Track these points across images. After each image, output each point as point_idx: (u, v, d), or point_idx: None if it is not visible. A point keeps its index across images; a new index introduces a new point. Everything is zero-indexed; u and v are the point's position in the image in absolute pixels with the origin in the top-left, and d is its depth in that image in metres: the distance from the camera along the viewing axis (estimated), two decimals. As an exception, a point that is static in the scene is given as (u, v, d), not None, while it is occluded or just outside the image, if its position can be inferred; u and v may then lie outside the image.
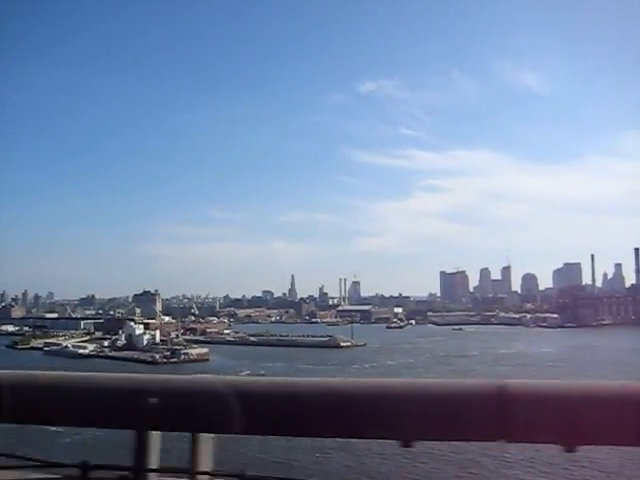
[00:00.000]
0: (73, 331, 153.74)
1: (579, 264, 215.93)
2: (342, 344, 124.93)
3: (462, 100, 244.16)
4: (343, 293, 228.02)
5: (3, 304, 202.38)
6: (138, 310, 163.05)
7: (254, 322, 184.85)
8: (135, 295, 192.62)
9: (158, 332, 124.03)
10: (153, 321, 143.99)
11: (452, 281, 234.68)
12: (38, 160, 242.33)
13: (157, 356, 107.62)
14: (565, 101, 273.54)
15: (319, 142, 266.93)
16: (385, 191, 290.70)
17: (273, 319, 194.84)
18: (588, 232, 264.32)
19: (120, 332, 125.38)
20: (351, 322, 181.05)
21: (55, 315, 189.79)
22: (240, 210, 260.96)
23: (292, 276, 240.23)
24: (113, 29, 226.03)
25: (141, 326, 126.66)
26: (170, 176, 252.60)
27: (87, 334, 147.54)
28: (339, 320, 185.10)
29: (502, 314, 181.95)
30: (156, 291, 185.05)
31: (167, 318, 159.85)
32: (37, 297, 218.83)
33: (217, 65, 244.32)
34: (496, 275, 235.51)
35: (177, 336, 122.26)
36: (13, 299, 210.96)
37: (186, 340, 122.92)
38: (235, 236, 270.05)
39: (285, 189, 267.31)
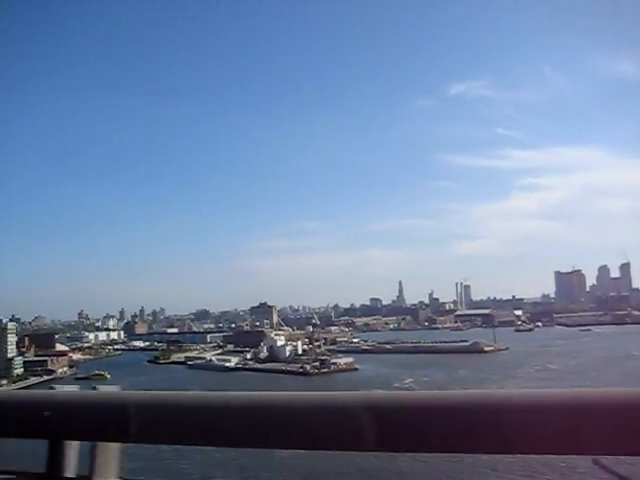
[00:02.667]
0: (202, 345, 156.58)
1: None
2: (485, 349, 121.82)
3: (556, 96, 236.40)
4: (456, 298, 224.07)
5: (126, 321, 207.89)
6: (266, 321, 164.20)
7: (372, 330, 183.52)
8: (252, 307, 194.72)
9: (300, 343, 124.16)
10: (282, 332, 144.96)
11: (568, 281, 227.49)
12: (135, 183, 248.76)
13: (308, 367, 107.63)
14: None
15: (408, 149, 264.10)
16: (483, 193, 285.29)
17: (391, 326, 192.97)
18: None
19: (261, 344, 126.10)
20: (473, 326, 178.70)
21: (175, 330, 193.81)
22: (334, 220, 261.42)
23: (400, 282, 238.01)
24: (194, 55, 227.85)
25: (283, 338, 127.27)
26: (261, 192, 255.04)
27: (219, 347, 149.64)
28: (460, 325, 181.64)
29: (635, 312, 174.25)
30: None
31: (287, 329, 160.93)
32: (155, 313, 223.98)
33: (296, 79, 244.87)
34: (614, 273, 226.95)
35: (320, 346, 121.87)
36: (133, 316, 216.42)
37: (328, 350, 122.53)
38: (331, 246, 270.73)
39: (377, 198, 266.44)
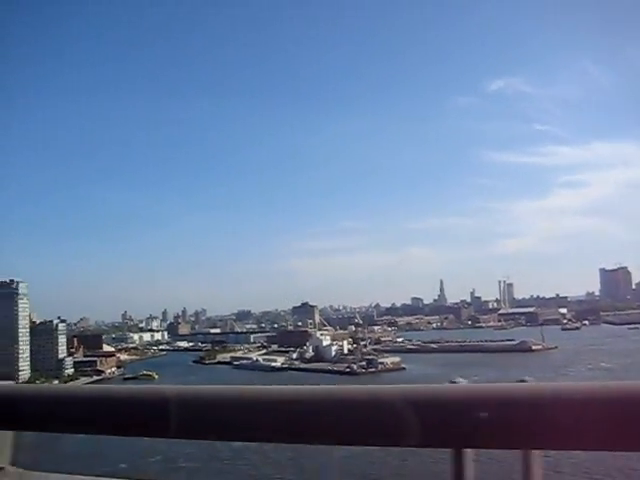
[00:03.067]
0: (246, 345, 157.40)
1: None
2: (533, 347, 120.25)
3: (597, 91, 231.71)
4: (499, 296, 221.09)
5: (169, 322, 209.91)
6: (310, 321, 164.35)
7: (415, 329, 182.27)
8: (294, 307, 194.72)
9: (345, 343, 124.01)
10: (327, 332, 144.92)
11: (613, 278, 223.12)
12: (173, 182, 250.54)
13: (355, 366, 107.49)
14: None
15: (449, 146, 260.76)
16: (523, 190, 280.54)
17: (434, 325, 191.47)
18: None
19: (307, 344, 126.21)
20: (517, 325, 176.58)
21: (218, 330, 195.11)
22: (371, 219, 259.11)
23: (441, 281, 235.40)
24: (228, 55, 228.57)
25: (328, 337, 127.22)
26: (299, 192, 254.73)
27: (263, 347, 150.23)
28: (504, 324, 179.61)
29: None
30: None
31: (330, 328, 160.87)
32: (197, 314, 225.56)
33: (334, 79, 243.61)
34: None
35: (365, 346, 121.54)
36: (175, 317, 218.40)
37: (374, 350, 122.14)
38: (369, 245, 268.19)
39: (415, 196, 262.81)
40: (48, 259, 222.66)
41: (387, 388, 2.76)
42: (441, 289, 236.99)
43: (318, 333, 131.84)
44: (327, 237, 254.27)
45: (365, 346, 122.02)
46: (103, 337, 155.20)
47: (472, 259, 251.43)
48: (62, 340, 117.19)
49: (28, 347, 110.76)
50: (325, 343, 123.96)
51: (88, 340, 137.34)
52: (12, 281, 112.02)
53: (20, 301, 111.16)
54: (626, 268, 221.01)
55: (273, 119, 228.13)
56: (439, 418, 2.59)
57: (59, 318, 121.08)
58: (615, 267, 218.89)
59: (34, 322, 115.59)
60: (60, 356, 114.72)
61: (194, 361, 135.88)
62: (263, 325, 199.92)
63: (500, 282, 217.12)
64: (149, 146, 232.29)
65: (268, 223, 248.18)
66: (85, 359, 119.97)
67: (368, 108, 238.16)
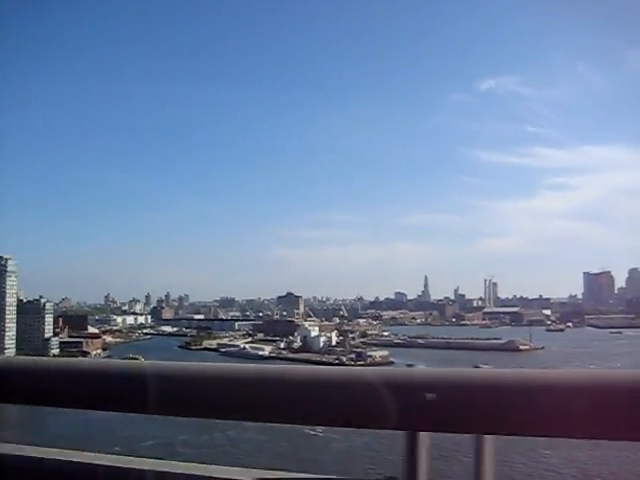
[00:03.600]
0: (231, 332, 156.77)
1: None
2: (521, 347, 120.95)
3: (589, 94, 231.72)
4: (483, 295, 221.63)
5: (152, 306, 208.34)
6: (296, 311, 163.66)
7: (399, 324, 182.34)
8: (279, 297, 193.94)
9: (334, 334, 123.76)
10: (314, 323, 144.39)
11: (597, 282, 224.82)
12: (162, 169, 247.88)
13: (344, 358, 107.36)
14: None
15: (439, 143, 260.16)
16: (510, 190, 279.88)
17: (418, 321, 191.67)
18: None
19: (295, 334, 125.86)
20: (502, 324, 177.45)
21: (201, 316, 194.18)
22: (361, 212, 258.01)
23: (425, 277, 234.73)
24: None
25: (316, 328, 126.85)
26: (288, 181, 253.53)
27: (249, 335, 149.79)
28: (489, 322, 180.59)
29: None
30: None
31: (316, 319, 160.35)
32: (181, 299, 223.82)
33: (331, 69, 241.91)
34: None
35: (354, 338, 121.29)
36: (158, 301, 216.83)
37: (362, 343, 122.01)
38: (359, 238, 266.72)
39: (405, 191, 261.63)
40: (33, 237, 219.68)
41: (349, 369, 2.81)
42: (425, 285, 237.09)
43: (306, 324, 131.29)
44: (317, 228, 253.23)
45: (353, 339, 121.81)
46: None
47: (456, 256, 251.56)
48: (49, 320, 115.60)
49: (14, 325, 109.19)
50: (313, 334, 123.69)
51: (72, 320, 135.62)
52: (0, 257, 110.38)
53: (8, 278, 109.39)
54: (609, 272, 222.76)
55: (271, 107, 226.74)
56: (392, 400, 2.58)
57: (40, 297, 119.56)
58: (599, 271, 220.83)
59: (21, 300, 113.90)
60: (46, 336, 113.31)
61: (180, 346, 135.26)
62: (248, 313, 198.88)
63: (485, 281, 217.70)
64: (147, 131, 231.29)
65: (256, 211, 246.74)
66: (71, 340, 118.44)
67: (364, 99, 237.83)
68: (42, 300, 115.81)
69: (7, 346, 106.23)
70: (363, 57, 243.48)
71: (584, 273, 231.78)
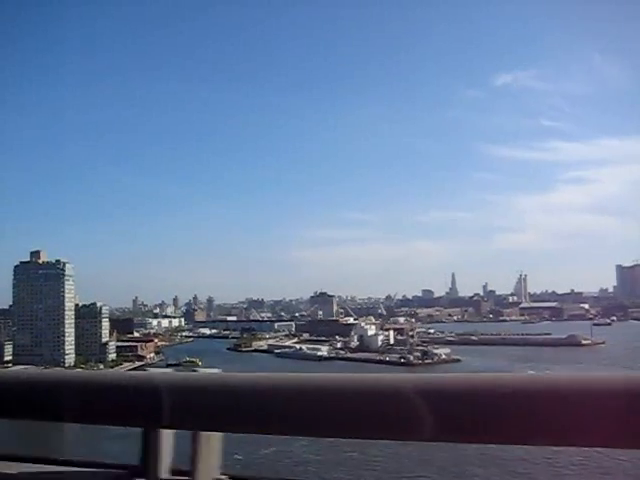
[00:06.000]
0: (273, 333, 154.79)
1: None
2: (583, 342, 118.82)
3: (606, 86, 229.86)
4: (512, 290, 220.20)
5: (184, 309, 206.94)
6: (341, 311, 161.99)
7: (437, 321, 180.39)
8: (312, 297, 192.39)
9: (392, 333, 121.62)
10: (370, 322, 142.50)
11: (630, 275, 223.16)
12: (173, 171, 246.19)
13: (411, 357, 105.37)
14: None
15: (455, 139, 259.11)
16: (527, 185, 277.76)
17: (455, 318, 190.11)
18: None
19: (352, 333, 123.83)
20: (541, 319, 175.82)
21: (234, 318, 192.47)
22: (376, 211, 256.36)
23: (452, 274, 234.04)
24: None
25: (373, 327, 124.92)
26: (305, 181, 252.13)
27: (293, 335, 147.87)
28: (528, 317, 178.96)
29: None
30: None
31: (351, 319, 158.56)
32: (210, 301, 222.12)
33: (346, 66, 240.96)
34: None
35: (412, 336, 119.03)
36: (187, 303, 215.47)
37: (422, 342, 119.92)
38: (375, 237, 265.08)
39: (421, 188, 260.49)
40: (62, 242, 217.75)
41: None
42: (453, 282, 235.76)
43: (362, 323, 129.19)
44: (335, 228, 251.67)
45: (412, 337, 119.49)
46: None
47: (475, 252, 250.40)
48: (105, 324, 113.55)
49: (73, 330, 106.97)
50: (370, 333, 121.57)
51: (119, 324, 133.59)
52: (58, 261, 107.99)
53: (66, 282, 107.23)
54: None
55: (288, 108, 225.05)
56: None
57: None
58: (632, 264, 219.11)
59: (77, 304, 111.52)
60: (103, 340, 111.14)
61: (228, 348, 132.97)
62: (282, 314, 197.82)
63: (521, 276, 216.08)
64: (165, 133, 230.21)
65: (272, 213, 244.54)
66: (126, 344, 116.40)
67: (379, 98, 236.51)
68: (98, 304, 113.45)
69: (67, 351, 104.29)
70: (378, 57, 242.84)
71: (617, 266, 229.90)
